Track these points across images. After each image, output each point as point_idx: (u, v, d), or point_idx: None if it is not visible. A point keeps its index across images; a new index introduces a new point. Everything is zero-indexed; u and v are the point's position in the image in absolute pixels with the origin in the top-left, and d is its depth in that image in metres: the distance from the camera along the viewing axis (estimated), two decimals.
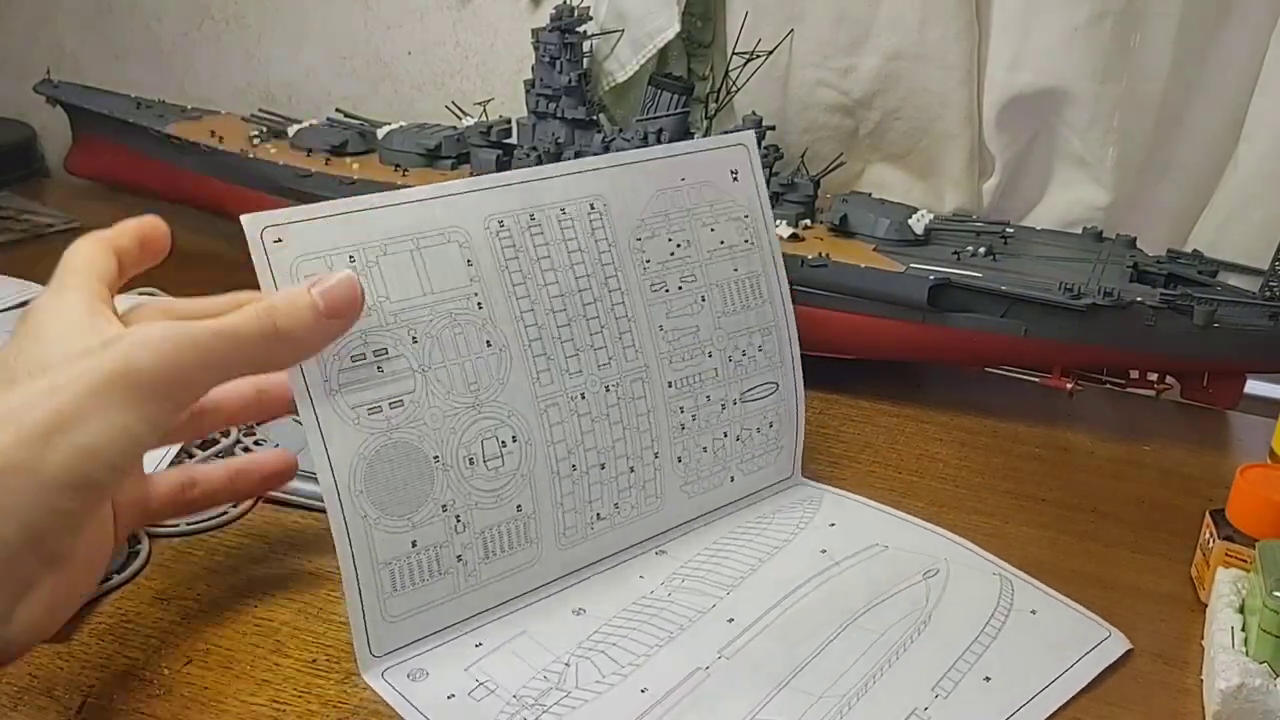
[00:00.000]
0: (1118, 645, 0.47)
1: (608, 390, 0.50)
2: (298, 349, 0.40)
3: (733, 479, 0.56)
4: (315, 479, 0.42)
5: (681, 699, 0.43)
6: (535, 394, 0.48)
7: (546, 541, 0.49)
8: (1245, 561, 0.48)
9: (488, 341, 0.46)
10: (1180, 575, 0.53)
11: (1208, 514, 0.51)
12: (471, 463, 0.46)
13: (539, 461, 0.48)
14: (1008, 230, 0.73)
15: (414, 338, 0.44)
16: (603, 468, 0.50)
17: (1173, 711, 0.44)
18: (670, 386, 0.53)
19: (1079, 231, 0.74)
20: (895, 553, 0.53)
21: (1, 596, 0.34)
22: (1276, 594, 0.41)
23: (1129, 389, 0.69)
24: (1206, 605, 0.48)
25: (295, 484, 0.53)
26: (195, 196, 0.91)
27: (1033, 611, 0.48)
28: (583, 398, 0.49)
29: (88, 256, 0.40)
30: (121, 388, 0.34)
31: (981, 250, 0.69)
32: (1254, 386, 0.69)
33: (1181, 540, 0.54)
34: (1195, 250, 0.71)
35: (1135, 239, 0.71)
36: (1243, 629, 0.44)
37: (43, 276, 0.40)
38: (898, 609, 0.48)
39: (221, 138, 0.88)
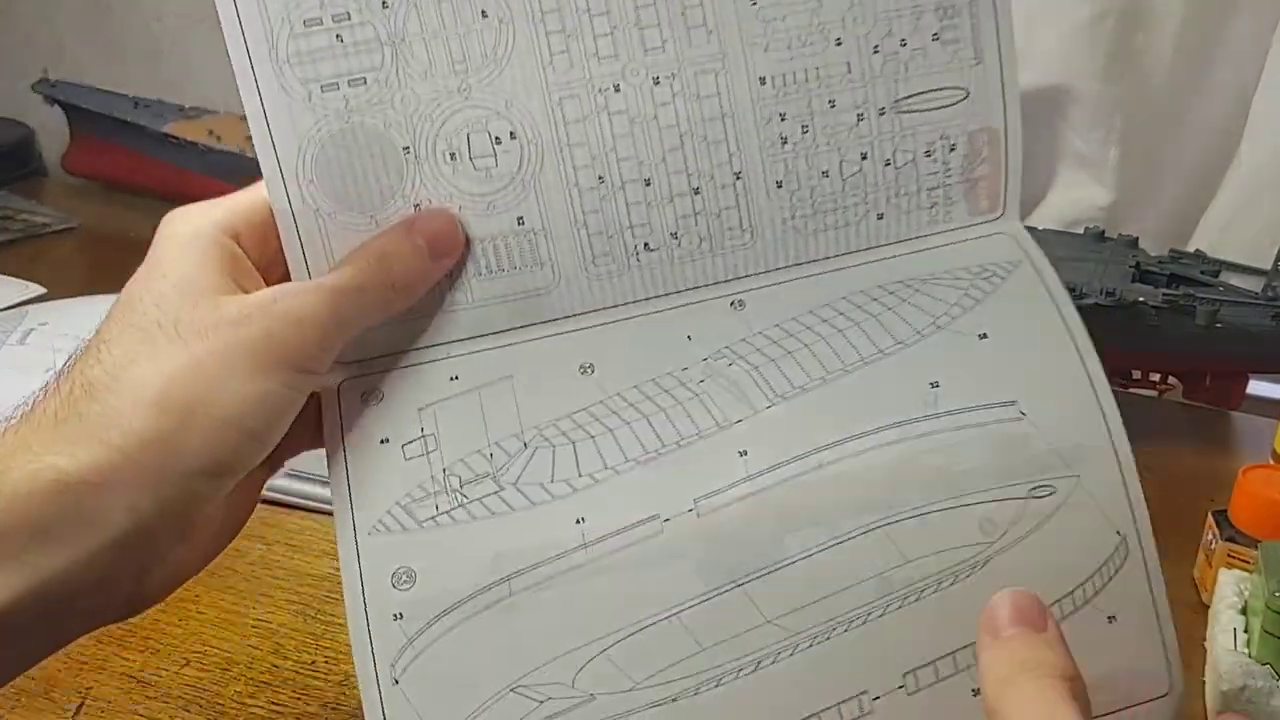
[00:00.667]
0: None
1: (657, 84, 0.38)
2: (410, 296, 0.37)
3: (880, 216, 0.39)
4: (313, 479, 0.42)
5: (606, 555, 0.34)
6: (545, 81, 0.37)
7: (566, 267, 0.38)
8: (1247, 563, 0.48)
9: (483, 11, 0.36)
10: (1182, 576, 0.52)
11: (1210, 515, 0.51)
12: (453, 158, 0.37)
13: (547, 167, 0.38)
14: None
15: (384, 1, 0.36)
16: (647, 184, 0.38)
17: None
18: (764, 84, 0.38)
19: (1081, 231, 0.74)
20: (1024, 431, 0.35)
21: (131, 565, 0.33)
22: (1279, 595, 0.41)
23: (1131, 389, 0.69)
24: (1209, 606, 0.48)
25: (294, 484, 0.53)
26: (193, 196, 0.91)
27: (1111, 619, 0.34)
28: (616, 90, 0.37)
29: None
30: (265, 361, 0.33)
31: None
32: (1256, 387, 0.69)
33: (1183, 541, 0.54)
34: (1198, 250, 0.70)
35: (1137, 239, 0.71)
36: (1245, 630, 0.44)
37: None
38: (958, 531, 0.34)
39: (220, 137, 0.88)
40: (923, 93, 0.39)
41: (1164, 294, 0.62)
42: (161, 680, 0.43)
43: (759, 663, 0.33)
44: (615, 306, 0.39)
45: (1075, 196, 0.78)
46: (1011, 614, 0.30)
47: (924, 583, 0.34)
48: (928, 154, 0.39)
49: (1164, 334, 0.62)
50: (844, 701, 0.33)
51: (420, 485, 0.35)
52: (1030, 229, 0.38)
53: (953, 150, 0.39)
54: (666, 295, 0.39)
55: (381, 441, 0.36)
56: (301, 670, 0.44)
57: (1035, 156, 0.79)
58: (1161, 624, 0.35)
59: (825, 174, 0.39)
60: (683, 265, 0.39)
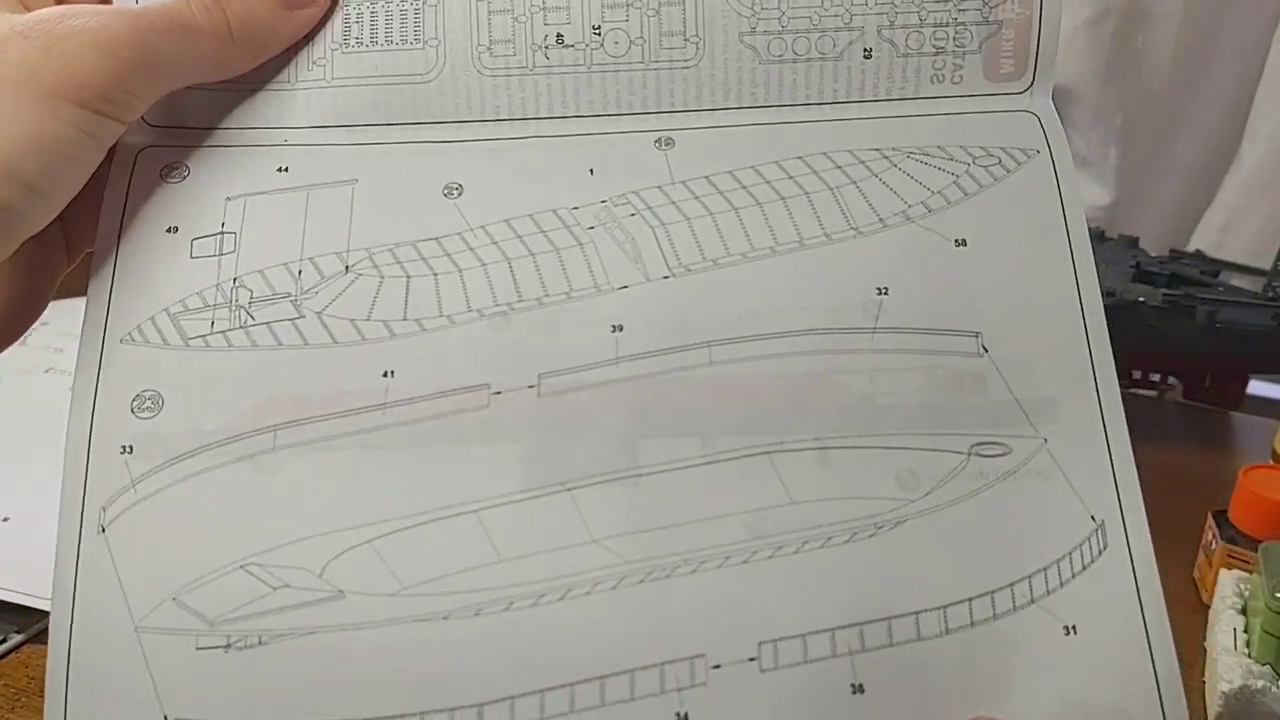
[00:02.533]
0: None
1: None
2: (251, 54, 0.30)
3: (868, 53, 0.30)
4: None
5: (407, 422, 0.27)
6: None
7: (454, 52, 0.30)
8: (1247, 563, 0.48)
9: None
10: (1182, 577, 0.52)
11: (1210, 515, 0.51)
12: None
13: None
14: None
15: None
16: None
17: None
18: None
19: None
20: (980, 369, 0.28)
21: None
22: (1279, 595, 0.41)
23: (1131, 389, 0.69)
24: (1208, 607, 0.48)
25: None
26: None
27: (1068, 630, 0.26)
28: None
29: None
30: (41, 89, 0.26)
31: None
32: (1256, 387, 0.69)
33: (1183, 542, 0.54)
34: (1198, 250, 0.70)
35: (1137, 239, 0.71)
36: (1245, 631, 0.44)
37: None
38: (867, 477, 0.27)
39: None
40: None
41: (1164, 294, 0.62)
42: None
43: (568, 590, 0.26)
44: (506, 120, 0.30)
45: None
46: None
47: (809, 533, 0.26)
48: None
49: (1164, 334, 0.62)
50: (670, 662, 0.25)
51: (200, 294, 0.28)
52: None
53: None
54: (576, 118, 0.30)
55: (169, 230, 0.29)
56: None
57: None
58: (1153, 646, 0.26)
59: None
60: (601, 78, 0.30)
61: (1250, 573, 0.47)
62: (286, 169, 0.30)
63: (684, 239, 0.28)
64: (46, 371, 0.56)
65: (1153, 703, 0.26)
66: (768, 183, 0.29)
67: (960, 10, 0.30)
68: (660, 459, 0.27)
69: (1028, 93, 0.31)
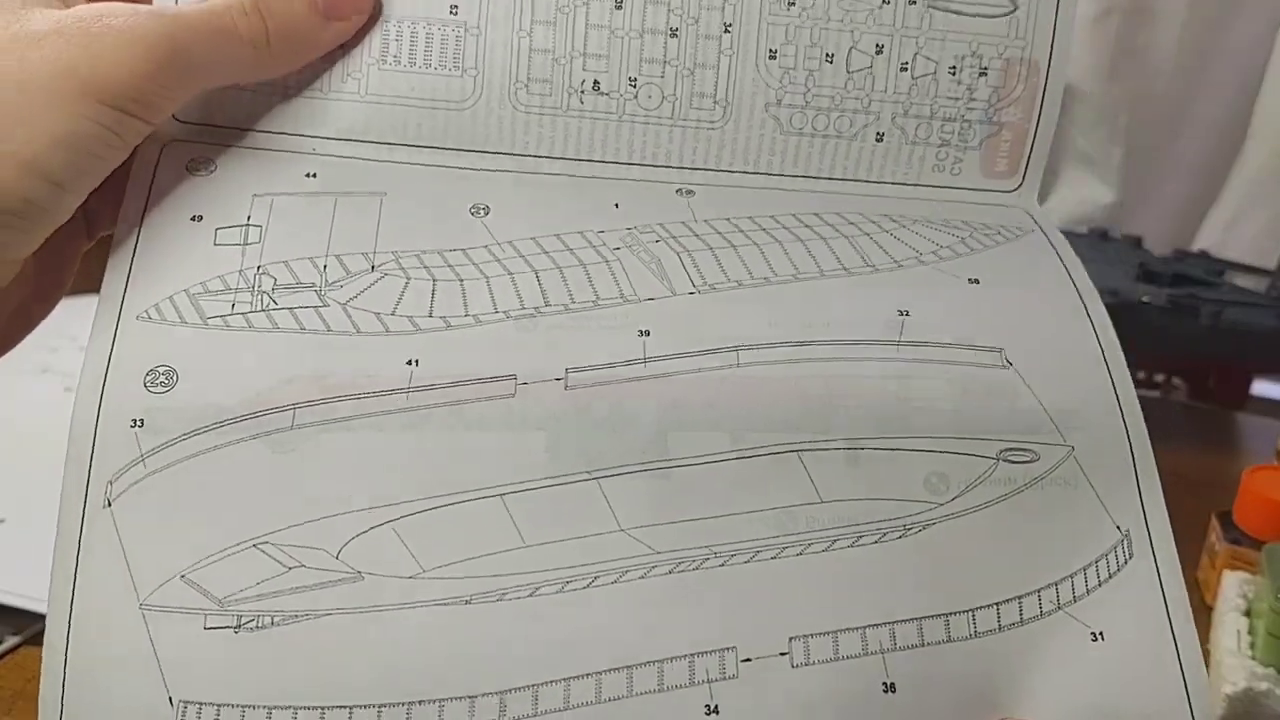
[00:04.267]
0: None
1: None
2: (287, 60, 0.30)
3: (880, 138, 0.32)
4: None
5: (432, 405, 0.27)
6: None
7: (492, 84, 0.30)
8: (1252, 565, 0.48)
9: None
10: (1186, 578, 0.52)
11: (1214, 516, 0.51)
12: None
13: None
14: None
15: None
16: (618, 5, 0.31)
17: None
18: None
19: (1084, 230, 0.74)
20: (1008, 379, 0.29)
21: None
22: None
23: (1135, 389, 0.68)
24: (1212, 609, 0.48)
25: None
26: None
27: (1096, 637, 0.26)
28: None
29: None
30: (73, 88, 0.26)
31: None
32: (1261, 388, 0.69)
33: (1187, 543, 0.54)
34: (1202, 250, 0.70)
35: (1141, 239, 0.71)
36: (1249, 633, 0.43)
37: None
38: (896, 480, 0.27)
39: None
40: None
41: (1168, 294, 0.62)
42: None
43: (595, 578, 0.25)
44: (533, 157, 0.31)
45: (1079, 195, 0.78)
46: None
47: (839, 531, 0.26)
48: (952, 71, 0.32)
49: (1168, 334, 0.61)
50: (701, 654, 0.25)
51: (222, 277, 0.28)
52: None
53: (982, 75, 0.32)
54: (602, 162, 0.31)
55: (193, 218, 0.29)
56: None
57: None
58: (1182, 655, 0.26)
59: (830, 58, 0.31)
60: (631, 128, 0.31)
61: (1254, 574, 0.47)
62: (315, 175, 0.30)
63: (708, 263, 0.29)
64: (43, 372, 0.56)
65: (1183, 711, 0.26)
66: (786, 228, 0.30)
67: (969, 108, 0.32)
68: (689, 452, 0.26)
69: (1017, 191, 0.33)
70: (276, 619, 0.25)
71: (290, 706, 0.24)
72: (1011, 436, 0.28)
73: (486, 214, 0.30)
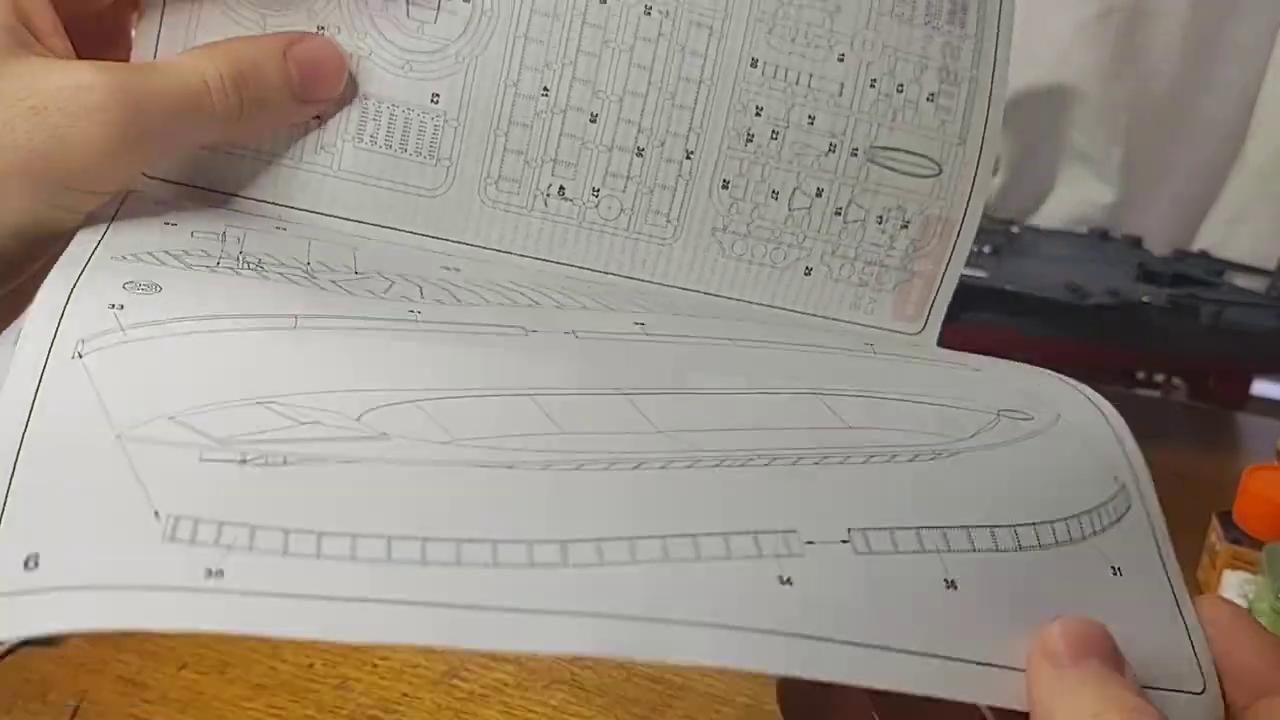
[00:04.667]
0: None
1: (648, 14, 0.32)
2: (252, 131, 0.30)
3: (808, 272, 0.34)
4: None
5: (444, 328, 0.26)
6: None
7: (463, 177, 0.32)
8: (1252, 564, 0.48)
9: None
10: (1186, 578, 0.52)
11: (1214, 516, 0.51)
12: None
13: (492, 50, 0.31)
14: (1013, 229, 0.73)
15: None
16: (592, 120, 0.32)
17: None
18: (754, 67, 0.33)
19: (1084, 230, 0.74)
20: (987, 377, 0.32)
21: None
22: None
23: (1135, 389, 0.68)
24: None
25: None
26: None
27: (1115, 570, 0.27)
28: (602, 2, 0.32)
29: None
30: (42, 178, 0.26)
31: (987, 249, 0.69)
32: (1261, 387, 0.69)
33: (1187, 543, 0.54)
34: (1202, 250, 0.70)
35: (1141, 239, 0.71)
36: None
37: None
38: (914, 418, 0.28)
39: None
40: (902, 150, 0.35)
41: (1168, 294, 0.62)
42: (158, 683, 0.43)
43: (640, 463, 0.24)
44: (498, 251, 0.32)
45: (1078, 195, 0.78)
46: (1076, 645, 0.23)
47: (875, 449, 0.27)
48: (879, 221, 0.35)
49: (1168, 334, 0.62)
50: (764, 533, 0.24)
51: (204, 250, 0.27)
52: (1033, 229, 0.37)
53: (904, 228, 0.35)
54: (558, 264, 0.33)
55: (166, 224, 0.28)
56: (299, 673, 0.44)
57: (1038, 155, 0.79)
58: (1182, 610, 0.28)
59: (775, 195, 0.34)
60: (589, 234, 0.33)
61: (1254, 574, 0.47)
62: (284, 228, 0.30)
63: (690, 314, 0.31)
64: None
65: (1188, 654, 0.26)
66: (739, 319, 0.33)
67: (889, 255, 0.35)
68: (711, 385, 0.27)
69: (920, 334, 0.36)
70: (290, 459, 0.22)
71: (313, 531, 0.21)
72: (1003, 407, 0.29)
73: (459, 272, 0.30)
